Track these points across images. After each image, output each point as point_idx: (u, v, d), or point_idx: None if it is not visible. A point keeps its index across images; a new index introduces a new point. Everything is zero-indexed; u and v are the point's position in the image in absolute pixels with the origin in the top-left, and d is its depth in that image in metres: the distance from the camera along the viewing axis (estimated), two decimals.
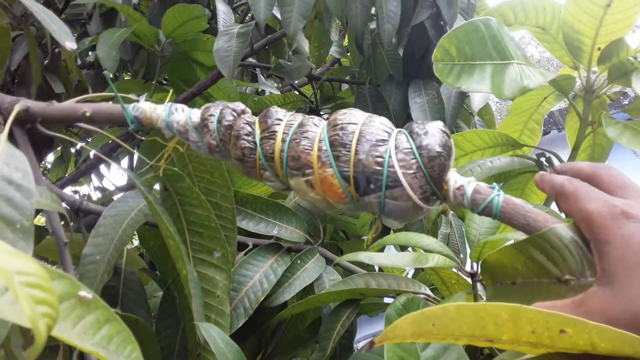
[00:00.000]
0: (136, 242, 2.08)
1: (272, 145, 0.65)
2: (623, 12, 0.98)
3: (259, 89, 2.29)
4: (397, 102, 1.55)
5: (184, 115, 0.73)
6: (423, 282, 0.92)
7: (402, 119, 1.53)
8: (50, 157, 2.81)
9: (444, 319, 0.40)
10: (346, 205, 0.63)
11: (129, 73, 2.20)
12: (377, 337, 0.43)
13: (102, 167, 2.90)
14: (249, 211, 1.06)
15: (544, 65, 12.19)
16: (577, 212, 0.50)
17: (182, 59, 1.66)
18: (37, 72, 1.51)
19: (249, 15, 1.85)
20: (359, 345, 3.03)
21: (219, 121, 0.70)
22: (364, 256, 0.87)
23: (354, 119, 0.63)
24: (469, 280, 0.89)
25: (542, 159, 1.04)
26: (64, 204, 0.82)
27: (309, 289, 1.02)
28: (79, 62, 2.17)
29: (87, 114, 0.77)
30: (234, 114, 0.70)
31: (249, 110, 0.72)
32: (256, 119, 0.69)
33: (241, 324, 0.92)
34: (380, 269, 1.31)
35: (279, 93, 2.11)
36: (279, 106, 0.71)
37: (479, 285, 0.88)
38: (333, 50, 1.96)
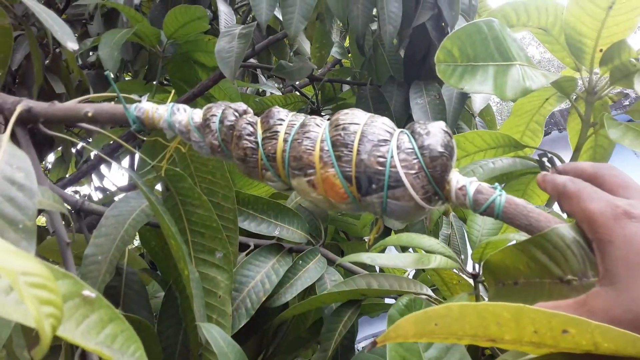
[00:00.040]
0: (136, 243, 2.08)
1: (274, 145, 0.65)
2: (625, 14, 0.98)
3: (260, 90, 2.29)
4: (399, 103, 1.55)
5: (186, 115, 0.73)
6: (424, 283, 0.91)
7: (403, 120, 1.53)
8: (51, 157, 2.82)
9: (447, 319, 0.40)
10: (348, 205, 0.63)
11: (129, 73, 2.20)
12: (379, 336, 0.43)
13: (103, 167, 2.90)
14: (250, 212, 1.06)
15: (545, 66, 12.19)
16: (580, 212, 0.50)
17: (183, 60, 1.66)
18: (39, 73, 1.51)
19: (250, 16, 1.86)
20: (360, 345, 3.03)
21: (221, 121, 0.70)
22: (366, 257, 0.87)
23: (355, 119, 0.63)
24: (471, 281, 0.89)
25: (544, 159, 1.04)
26: (65, 204, 0.82)
27: (310, 290, 1.02)
28: (80, 62, 2.17)
29: (89, 114, 0.77)
30: (236, 114, 0.70)
31: (251, 111, 0.73)
32: (258, 119, 0.69)
33: (243, 325, 0.92)
34: (381, 270, 1.31)
35: (280, 93, 2.11)
36: (280, 107, 0.71)
37: (480, 287, 0.88)
38: (334, 51, 1.96)
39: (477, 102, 1.56)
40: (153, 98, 1.62)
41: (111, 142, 1.94)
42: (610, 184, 0.53)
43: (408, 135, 0.61)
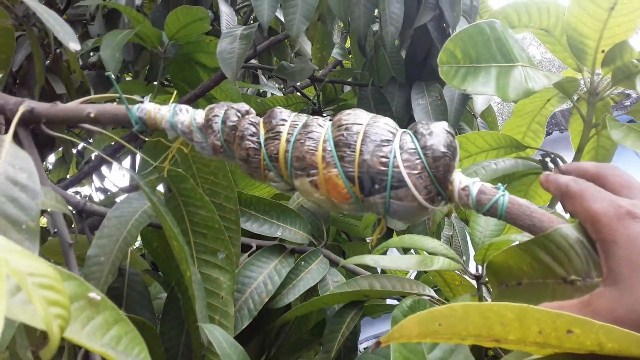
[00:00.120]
0: (138, 244, 2.08)
1: (277, 145, 0.65)
2: (627, 15, 0.98)
3: (261, 90, 2.29)
4: (400, 104, 1.55)
5: (188, 116, 0.73)
6: (426, 284, 0.91)
7: (404, 120, 1.53)
8: (52, 158, 2.82)
9: (451, 319, 0.40)
10: (351, 205, 0.63)
11: (130, 74, 2.20)
12: (383, 337, 0.43)
13: (104, 168, 2.90)
14: (252, 212, 1.06)
15: (546, 66, 12.18)
16: (583, 212, 0.50)
17: (184, 61, 1.66)
18: (40, 74, 1.51)
19: (252, 17, 1.86)
20: (362, 346, 3.03)
21: (224, 122, 0.70)
22: (369, 259, 0.87)
23: (358, 119, 0.63)
24: (474, 282, 0.89)
25: (547, 160, 1.04)
26: (67, 205, 0.82)
27: (312, 291, 1.02)
28: (81, 62, 2.17)
29: (92, 115, 0.77)
30: (239, 114, 0.70)
31: (253, 111, 0.73)
32: (260, 120, 0.69)
33: (245, 326, 0.92)
34: (383, 271, 1.31)
35: (281, 94, 2.11)
36: (282, 107, 0.71)
37: (483, 288, 0.88)
38: (335, 53, 1.96)
39: (479, 103, 1.55)
40: (154, 99, 1.62)
41: (112, 142, 1.94)
42: (613, 184, 0.53)
43: (411, 136, 0.61)
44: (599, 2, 0.98)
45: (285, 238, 1.05)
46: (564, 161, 1.09)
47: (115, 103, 0.83)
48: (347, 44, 2.14)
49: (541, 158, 1.08)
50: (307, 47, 1.93)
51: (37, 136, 0.82)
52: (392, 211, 0.60)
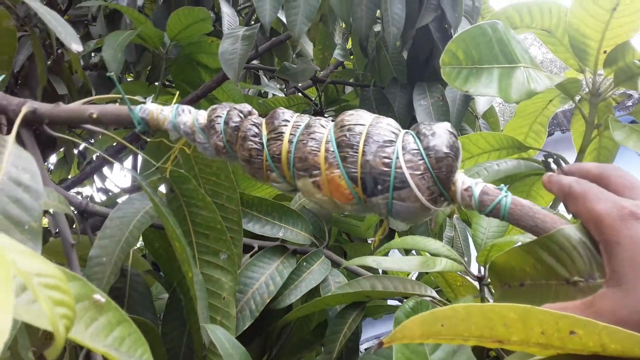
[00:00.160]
0: (139, 244, 2.08)
1: (279, 146, 0.65)
2: (629, 16, 0.98)
3: (262, 91, 2.29)
4: (402, 104, 1.55)
5: (190, 116, 0.73)
6: (428, 284, 0.91)
7: (406, 121, 1.53)
8: (53, 158, 2.82)
9: (453, 320, 0.40)
10: (353, 206, 0.63)
11: (131, 74, 2.20)
12: (385, 337, 0.43)
13: (105, 169, 2.90)
14: (254, 213, 1.06)
15: (547, 67, 12.18)
16: (586, 213, 0.50)
17: (186, 62, 1.66)
18: (42, 74, 1.51)
19: (253, 17, 1.86)
20: (362, 347, 3.03)
21: (226, 122, 0.70)
22: (372, 260, 0.87)
23: (361, 119, 0.63)
24: (476, 283, 0.89)
25: (550, 160, 1.04)
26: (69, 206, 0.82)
27: (314, 292, 1.02)
28: (82, 63, 2.17)
29: (94, 116, 0.77)
30: (241, 115, 0.70)
31: (256, 112, 0.73)
32: (263, 120, 0.69)
33: (247, 326, 0.92)
34: (385, 272, 1.31)
35: (283, 95, 2.11)
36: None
37: (485, 289, 0.88)
38: (336, 53, 1.96)
39: (481, 104, 1.56)
40: (156, 100, 1.62)
41: (114, 143, 1.94)
42: (616, 184, 0.53)
43: (413, 136, 0.61)
44: (601, 2, 0.98)
45: (287, 239, 1.05)
46: (566, 162, 1.09)
47: (117, 104, 0.83)
48: (349, 45, 2.14)
49: (544, 159, 1.08)
50: (309, 48, 1.93)
51: (39, 136, 0.82)
52: (395, 212, 0.60)
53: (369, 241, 1.57)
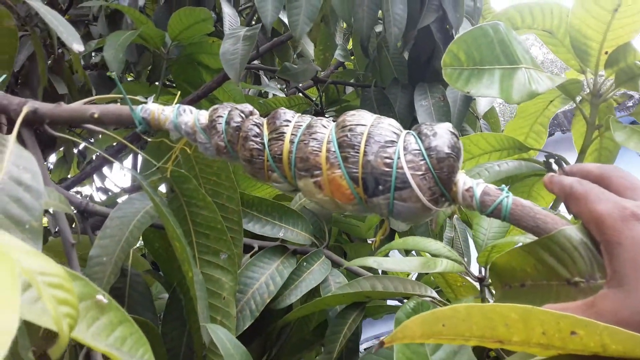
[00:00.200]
0: (138, 243, 2.08)
1: (281, 146, 0.65)
2: (630, 17, 0.98)
3: (262, 91, 2.29)
4: (403, 105, 1.55)
5: (192, 116, 0.73)
6: (428, 285, 0.91)
7: (407, 122, 1.53)
8: (52, 158, 2.82)
9: (454, 320, 0.40)
10: (354, 206, 0.63)
11: (132, 74, 2.20)
12: (386, 337, 0.43)
13: (104, 168, 2.90)
14: (255, 213, 1.06)
15: (548, 67, 12.20)
16: (587, 213, 0.50)
17: (187, 62, 1.66)
18: (43, 74, 1.51)
19: (254, 18, 1.86)
20: (362, 347, 3.02)
21: (227, 122, 0.70)
22: (372, 261, 0.87)
23: (362, 120, 0.63)
24: (477, 284, 0.89)
25: (551, 161, 1.04)
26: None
27: (314, 292, 1.02)
28: (82, 63, 2.17)
29: (95, 116, 0.77)
30: (242, 115, 0.70)
31: (257, 112, 0.73)
32: (264, 120, 0.69)
33: (247, 326, 0.92)
34: (385, 272, 1.31)
35: (283, 95, 2.11)
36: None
37: (486, 290, 0.88)
38: (337, 54, 1.96)
39: (482, 105, 1.56)
40: (157, 100, 1.62)
41: (114, 143, 1.94)
42: (617, 185, 0.53)
43: (415, 137, 0.61)
44: (602, 4, 0.98)
45: (288, 239, 1.05)
46: (567, 163, 1.09)
47: (118, 104, 0.83)
48: (349, 45, 2.14)
49: (545, 159, 1.08)
50: (310, 48, 1.93)
51: (39, 136, 0.82)
52: (396, 212, 0.60)
53: (369, 241, 1.57)
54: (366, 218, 1.37)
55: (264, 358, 1.08)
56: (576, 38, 1.03)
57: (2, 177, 0.55)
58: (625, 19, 0.99)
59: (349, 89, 2.03)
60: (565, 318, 0.38)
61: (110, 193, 3.08)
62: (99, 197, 3.08)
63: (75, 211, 0.93)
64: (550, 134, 5.09)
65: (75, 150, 2.56)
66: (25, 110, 0.75)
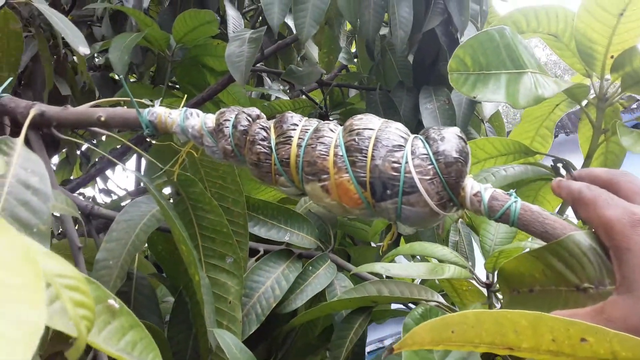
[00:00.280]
0: None
1: (288, 150, 0.65)
2: (636, 21, 0.98)
3: (265, 93, 2.29)
4: (408, 108, 1.55)
5: (199, 120, 0.73)
6: (432, 289, 0.91)
7: (412, 125, 1.53)
8: (55, 159, 2.82)
9: (464, 326, 0.40)
10: (362, 210, 0.63)
11: (134, 75, 2.20)
12: (396, 344, 0.43)
13: (107, 170, 2.89)
14: (260, 217, 1.06)
15: (551, 68, 12.18)
16: (596, 219, 0.50)
17: (192, 64, 1.66)
18: (50, 77, 1.51)
19: (259, 20, 1.86)
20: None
21: (234, 126, 0.70)
22: (380, 267, 0.87)
23: (370, 124, 0.63)
24: (484, 290, 0.89)
25: (559, 165, 1.04)
26: None
27: (320, 296, 1.02)
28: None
29: (102, 119, 0.77)
30: (249, 119, 0.70)
31: (264, 115, 0.73)
32: (271, 124, 0.69)
33: (253, 331, 0.91)
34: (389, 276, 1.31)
35: (286, 97, 2.11)
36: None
37: (493, 296, 0.88)
38: (341, 57, 1.96)
39: (487, 108, 1.56)
40: (161, 102, 1.62)
41: (118, 145, 1.94)
42: (626, 190, 0.52)
43: (422, 141, 0.61)
44: (608, 8, 0.98)
45: (293, 243, 1.05)
46: (573, 167, 1.08)
47: (125, 107, 0.83)
48: (353, 48, 2.14)
49: (553, 164, 1.07)
50: (313, 51, 1.93)
51: (42, 137, 0.82)
52: (404, 217, 0.60)
53: (373, 245, 1.56)
54: (372, 222, 1.37)
55: None
56: (582, 42, 1.02)
57: (10, 180, 0.55)
58: (631, 23, 0.98)
59: (353, 92, 2.03)
60: (575, 325, 0.38)
61: (112, 194, 3.08)
62: (102, 198, 3.09)
63: (79, 213, 0.93)
64: (554, 136, 5.09)
65: (77, 152, 2.55)
66: (32, 113, 0.75)
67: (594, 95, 1.08)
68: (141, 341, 0.40)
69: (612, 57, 1.02)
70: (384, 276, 1.20)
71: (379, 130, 0.62)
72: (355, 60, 2.01)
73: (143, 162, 2.29)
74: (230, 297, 0.86)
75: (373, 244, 1.54)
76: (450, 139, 0.60)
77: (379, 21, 1.40)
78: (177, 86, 1.92)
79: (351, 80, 1.97)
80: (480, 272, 0.91)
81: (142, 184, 2.26)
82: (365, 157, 0.60)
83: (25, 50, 1.65)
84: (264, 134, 0.68)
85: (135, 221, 0.85)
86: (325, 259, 1.05)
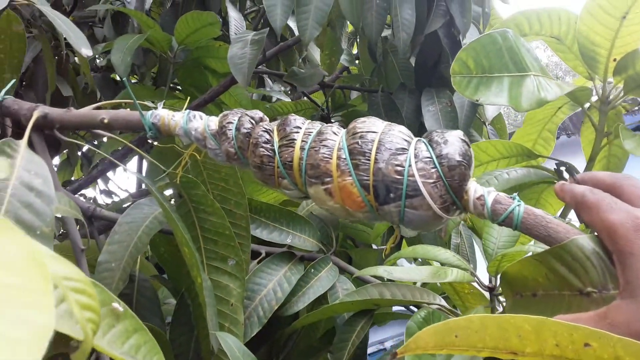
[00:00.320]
0: None
1: (291, 153, 0.65)
2: (639, 24, 0.98)
3: (266, 95, 2.29)
4: (410, 110, 1.55)
5: (202, 122, 0.73)
6: (434, 291, 0.91)
7: (415, 127, 1.53)
8: (56, 160, 2.82)
9: (467, 330, 0.40)
10: (365, 214, 0.63)
11: (136, 76, 2.20)
12: (399, 348, 0.43)
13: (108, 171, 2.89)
14: (262, 219, 1.06)
15: (552, 70, 12.18)
16: (599, 223, 0.50)
17: (194, 66, 1.66)
18: (52, 79, 1.51)
19: (261, 22, 1.86)
20: None
21: (238, 129, 0.70)
22: (383, 270, 0.87)
23: (373, 127, 0.63)
24: (486, 294, 0.89)
25: (562, 169, 1.04)
26: None
27: (321, 298, 1.02)
28: None
29: (105, 121, 0.77)
30: (252, 121, 0.70)
31: (267, 118, 0.73)
32: (274, 127, 0.69)
33: (255, 333, 0.91)
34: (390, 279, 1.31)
35: (287, 98, 2.11)
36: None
37: (495, 300, 0.87)
38: (342, 59, 1.96)
39: (490, 110, 1.56)
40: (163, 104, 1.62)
41: (120, 147, 1.94)
42: (629, 194, 0.52)
43: (425, 144, 0.61)
44: (610, 10, 0.98)
45: (295, 245, 1.05)
46: (575, 169, 1.08)
47: (127, 109, 0.83)
48: (354, 49, 2.14)
49: (556, 167, 1.07)
50: (315, 53, 1.93)
51: (44, 138, 0.82)
52: (407, 220, 0.60)
53: (374, 247, 1.56)
54: (374, 224, 1.37)
55: None
56: (584, 45, 1.02)
57: (13, 183, 0.55)
58: (634, 26, 0.98)
59: (354, 94, 2.03)
60: (578, 329, 0.38)
61: (113, 195, 3.09)
62: (103, 199, 3.09)
63: (84, 216, 0.93)
64: (556, 138, 5.09)
65: (79, 153, 2.56)
66: (35, 115, 0.75)
67: (597, 98, 1.08)
68: (145, 344, 0.40)
69: (614, 60, 1.02)
70: (385, 279, 1.21)
71: (382, 134, 0.62)
72: (357, 61, 2.01)
73: (144, 163, 2.30)
74: (232, 299, 0.85)
75: (374, 246, 1.54)
76: (453, 142, 0.60)
77: (382, 23, 1.40)
78: (179, 88, 1.92)
79: (353, 82, 1.97)
80: (482, 275, 0.91)
81: (143, 186, 2.26)
82: (369, 160, 0.60)
83: (27, 52, 1.65)
84: (267, 136, 0.68)
85: (137, 223, 0.85)
86: (327, 261, 1.05)
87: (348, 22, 1.76)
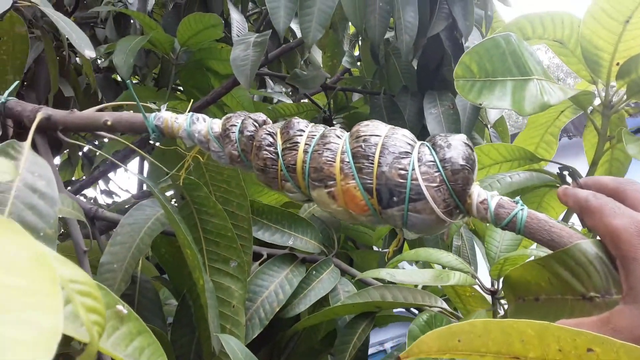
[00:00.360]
0: None
1: (294, 156, 0.65)
2: None
3: (267, 96, 2.29)
4: (412, 112, 1.55)
5: (205, 125, 0.73)
6: (435, 293, 0.91)
7: (417, 130, 1.53)
8: (56, 160, 2.82)
9: (470, 335, 0.40)
10: (368, 217, 0.63)
11: (137, 76, 2.20)
12: (402, 352, 0.43)
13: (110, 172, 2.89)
14: (264, 221, 1.06)
15: (553, 72, 12.17)
16: (603, 227, 0.50)
17: (196, 67, 1.66)
18: (55, 81, 1.51)
19: (263, 24, 1.86)
20: None
21: (241, 131, 0.70)
22: (386, 273, 0.87)
23: (376, 130, 0.63)
24: (489, 297, 0.89)
25: (565, 173, 1.04)
26: None
27: (323, 300, 1.02)
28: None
29: (109, 123, 0.77)
30: (256, 124, 0.70)
31: (270, 121, 0.73)
32: (278, 130, 0.69)
33: (256, 335, 0.91)
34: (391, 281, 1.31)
35: (289, 100, 2.11)
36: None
37: (497, 304, 0.88)
38: (344, 61, 1.96)
39: (492, 113, 1.56)
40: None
41: (121, 148, 1.94)
42: (633, 199, 0.52)
43: (429, 148, 0.61)
44: (614, 14, 0.98)
45: (297, 247, 1.05)
46: (578, 173, 1.08)
47: (130, 111, 0.83)
48: (356, 51, 2.14)
49: (559, 171, 1.07)
50: (317, 55, 1.93)
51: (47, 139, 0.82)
52: (410, 224, 0.60)
53: (375, 248, 1.56)
54: (376, 227, 1.37)
55: None
56: (587, 49, 1.02)
57: (17, 184, 0.55)
58: (637, 30, 0.98)
59: (356, 96, 2.03)
60: (581, 335, 0.38)
61: (114, 196, 3.09)
62: (103, 199, 3.09)
63: (86, 217, 0.93)
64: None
65: (79, 153, 2.56)
66: (39, 117, 0.75)
67: (600, 102, 1.08)
68: (149, 347, 0.40)
69: (617, 64, 1.02)
70: (386, 281, 1.21)
71: (386, 137, 0.62)
72: (359, 63, 2.01)
73: (146, 164, 2.30)
74: (234, 301, 0.86)
75: (375, 248, 1.54)
76: (457, 146, 0.60)
77: (385, 25, 1.40)
78: (181, 89, 1.92)
79: (355, 84, 1.97)
80: (483, 277, 0.91)
81: (145, 187, 2.26)
82: (372, 163, 0.60)
83: (29, 52, 1.65)
84: (271, 139, 0.68)
85: (139, 225, 0.85)
86: (329, 263, 1.06)
87: (350, 24, 1.76)
